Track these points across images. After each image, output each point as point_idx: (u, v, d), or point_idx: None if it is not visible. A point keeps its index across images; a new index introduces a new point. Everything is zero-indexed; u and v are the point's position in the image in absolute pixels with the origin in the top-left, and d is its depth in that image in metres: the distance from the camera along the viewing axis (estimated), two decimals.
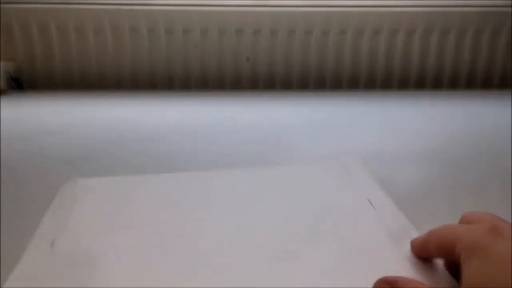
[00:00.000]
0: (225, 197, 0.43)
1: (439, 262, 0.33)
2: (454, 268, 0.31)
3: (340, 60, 0.76)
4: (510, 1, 0.74)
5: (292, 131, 0.60)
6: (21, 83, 0.75)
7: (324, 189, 0.43)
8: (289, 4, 0.73)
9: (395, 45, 0.76)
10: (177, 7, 0.72)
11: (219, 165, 0.49)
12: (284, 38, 0.75)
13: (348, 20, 0.74)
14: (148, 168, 0.49)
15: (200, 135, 0.59)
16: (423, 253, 0.34)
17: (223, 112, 0.66)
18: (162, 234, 0.38)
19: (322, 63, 0.76)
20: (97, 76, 0.76)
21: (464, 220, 0.32)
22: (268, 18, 0.73)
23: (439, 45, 0.76)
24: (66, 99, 0.70)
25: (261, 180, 0.45)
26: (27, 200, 0.44)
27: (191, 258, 0.35)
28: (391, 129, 0.60)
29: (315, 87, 0.77)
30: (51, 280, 0.33)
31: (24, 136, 0.58)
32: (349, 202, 0.40)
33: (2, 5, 0.71)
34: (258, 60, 0.76)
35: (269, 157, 0.53)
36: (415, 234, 0.36)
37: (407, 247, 0.34)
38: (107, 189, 0.45)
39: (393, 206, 0.40)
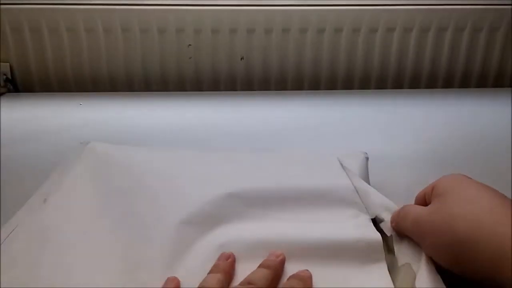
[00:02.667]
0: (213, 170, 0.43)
1: None
2: None
3: (335, 58, 0.75)
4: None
5: (287, 133, 0.60)
6: (16, 85, 0.75)
7: (306, 173, 0.43)
8: (283, 3, 0.73)
9: (391, 43, 0.75)
10: (170, 7, 0.72)
11: None
12: (278, 37, 0.74)
13: (343, 18, 0.73)
14: None
15: (194, 136, 0.59)
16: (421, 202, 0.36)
17: (218, 113, 0.66)
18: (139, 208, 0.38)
19: (317, 61, 0.76)
20: (91, 77, 0.76)
21: None
22: (262, 16, 0.73)
23: (435, 43, 0.75)
24: (62, 100, 0.70)
25: (254, 158, 0.46)
26: (25, 200, 0.44)
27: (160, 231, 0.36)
28: (386, 129, 0.60)
29: (310, 86, 0.77)
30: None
31: (23, 138, 0.59)
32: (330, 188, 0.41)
33: None
34: (252, 59, 0.75)
35: None
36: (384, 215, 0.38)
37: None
38: (113, 155, 0.45)
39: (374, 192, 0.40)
